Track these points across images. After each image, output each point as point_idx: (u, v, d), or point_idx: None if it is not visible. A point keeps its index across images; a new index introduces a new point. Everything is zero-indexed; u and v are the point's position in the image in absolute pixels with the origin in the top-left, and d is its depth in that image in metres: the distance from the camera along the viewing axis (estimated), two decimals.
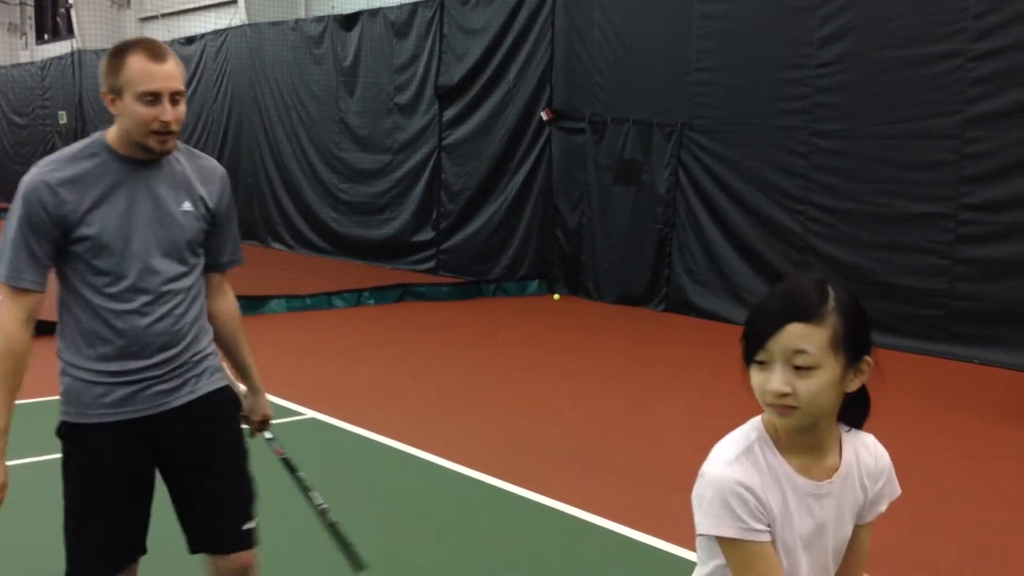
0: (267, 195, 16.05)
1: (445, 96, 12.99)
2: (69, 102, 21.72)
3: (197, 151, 2.84)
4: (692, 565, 1.86)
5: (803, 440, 1.71)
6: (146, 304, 2.58)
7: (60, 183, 2.51)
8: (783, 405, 1.63)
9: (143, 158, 2.63)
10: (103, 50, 20.51)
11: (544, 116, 11.81)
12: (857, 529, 1.80)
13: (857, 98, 8.83)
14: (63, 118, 22.03)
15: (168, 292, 2.62)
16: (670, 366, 8.15)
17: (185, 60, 19.25)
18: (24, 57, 25.54)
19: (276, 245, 15.79)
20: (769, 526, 1.67)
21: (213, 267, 2.84)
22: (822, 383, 1.62)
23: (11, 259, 2.49)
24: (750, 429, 1.74)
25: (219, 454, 2.77)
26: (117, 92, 2.61)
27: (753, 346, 1.65)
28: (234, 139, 16.89)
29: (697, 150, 10.31)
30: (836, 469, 1.73)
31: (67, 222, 2.50)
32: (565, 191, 11.70)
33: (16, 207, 2.52)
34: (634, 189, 10.91)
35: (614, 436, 5.98)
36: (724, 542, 1.68)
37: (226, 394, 2.86)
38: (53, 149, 23.35)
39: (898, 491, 1.83)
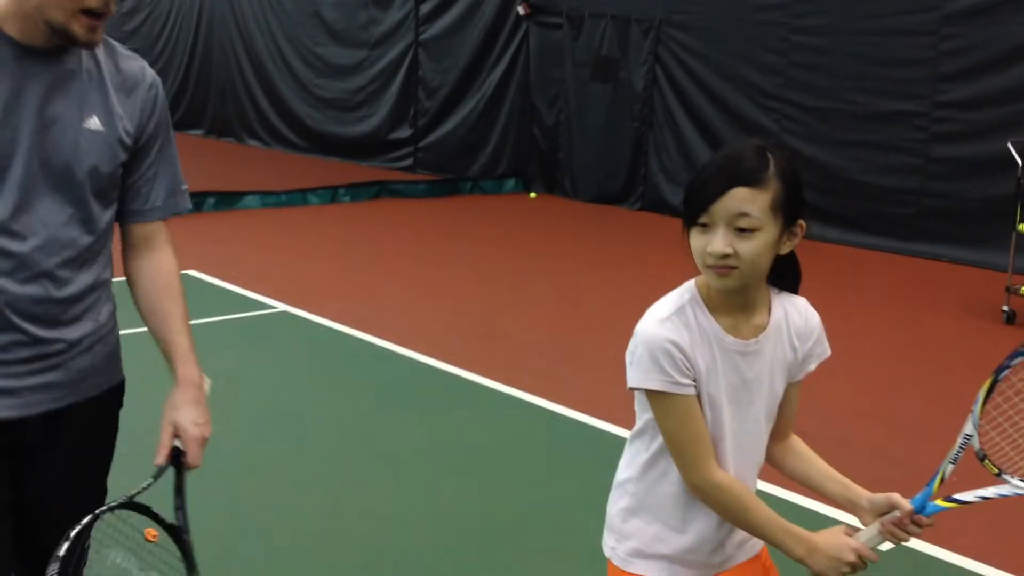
0: (241, 91, 15.79)
1: None
2: None
3: (120, 47, 2.00)
4: None
5: (734, 301, 1.77)
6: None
7: None
8: (724, 266, 1.68)
9: (46, 46, 1.83)
10: None
11: (521, 11, 11.59)
12: (788, 387, 1.88)
13: None
14: None
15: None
16: (642, 265, 8.22)
17: None
18: None
19: (252, 142, 15.61)
20: (695, 381, 1.75)
21: (137, 215, 2.04)
22: (761, 245, 1.68)
23: None
24: (683, 291, 1.80)
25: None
26: None
27: (697, 210, 1.69)
28: (206, 32, 16.49)
29: (675, 47, 10.18)
30: (764, 329, 1.80)
31: None
32: (542, 88, 11.57)
33: None
34: (611, 86, 10.80)
35: (581, 330, 6.08)
36: (652, 395, 1.75)
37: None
38: None
39: (828, 352, 1.90)
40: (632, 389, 1.79)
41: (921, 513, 1.74)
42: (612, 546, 1.91)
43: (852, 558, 1.73)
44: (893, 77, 8.44)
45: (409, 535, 3.53)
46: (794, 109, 9.21)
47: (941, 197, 8.18)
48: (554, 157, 11.44)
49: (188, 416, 1.99)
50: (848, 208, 8.75)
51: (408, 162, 13.07)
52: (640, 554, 1.86)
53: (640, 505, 1.87)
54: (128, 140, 1.94)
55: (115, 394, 2.11)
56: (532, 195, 11.49)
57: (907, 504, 1.75)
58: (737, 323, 1.78)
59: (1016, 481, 1.78)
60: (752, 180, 1.66)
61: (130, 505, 1.86)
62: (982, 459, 1.78)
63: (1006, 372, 1.77)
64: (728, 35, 9.65)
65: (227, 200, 10.22)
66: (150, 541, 1.92)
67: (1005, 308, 6.40)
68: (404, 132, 13.23)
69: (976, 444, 1.77)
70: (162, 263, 2.08)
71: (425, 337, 5.81)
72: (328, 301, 6.58)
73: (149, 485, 1.86)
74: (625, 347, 1.79)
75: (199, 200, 9.95)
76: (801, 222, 1.74)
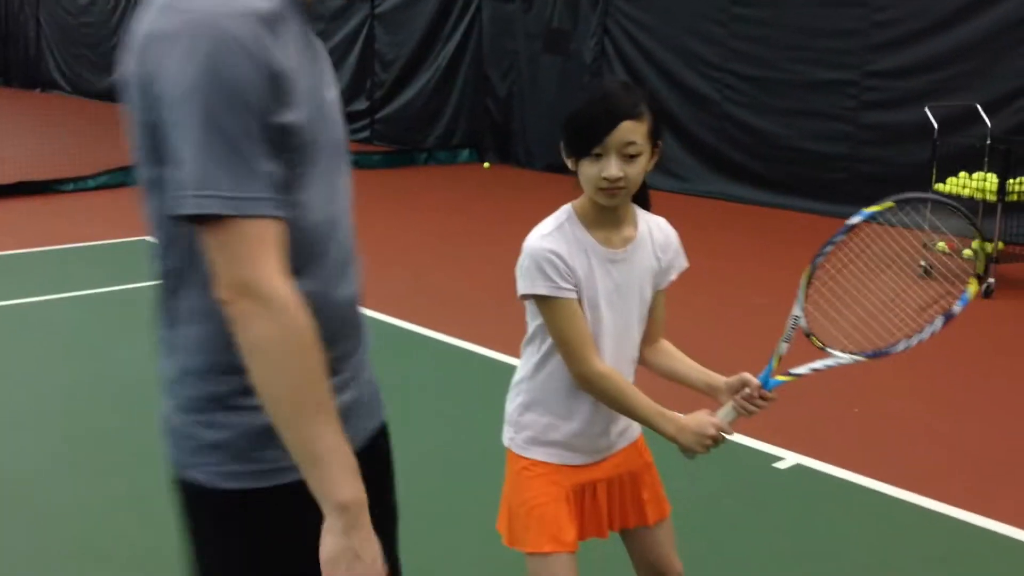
0: None
1: None
2: None
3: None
4: None
5: (607, 217, 2.08)
6: None
7: None
8: (615, 187, 1.99)
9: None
10: None
11: None
12: (655, 295, 2.19)
13: None
14: None
15: None
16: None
17: None
18: None
19: None
20: (575, 286, 2.04)
21: None
22: (642, 166, 2.00)
23: None
24: (561, 212, 2.10)
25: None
26: None
27: (591, 143, 1.98)
28: None
29: (623, 19, 10.47)
30: (632, 240, 2.12)
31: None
32: (495, 60, 11.81)
33: None
34: (562, 59, 11.07)
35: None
36: (540, 300, 2.05)
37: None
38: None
39: (686, 264, 2.22)
40: (522, 297, 2.09)
41: (765, 388, 2.07)
42: (511, 436, 2.20)
43: (712, 432, 2.05)
44: (828, 47, 8.78)
45: None
46: (735, 79, 9.54)
47: (870, 162, 8.56)
48: (507, 127, 11.70)
49: None
50: (786, 173, 9.12)
51: (365, 134, 13.28)
52: (535, 441, 2.16)
53: (533, 400, 2.16)
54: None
55: None
56: (486, 165, 11.75)
57: (755, 380, 2.07)
58: (609, 236, 2.09)
59: (837, 353, 2.12)
60: (635, 114, 1.97)
61: None
62: (809, 336, 2.11)
63: (820, 260, 2.10)
64: (673, 8, 9.94)
65: None
66: None
67: (922, 263, 6.79)
68: (361, 104, 13.41)
69: (803, 324, 2.10)
70: None
71: (373, 294, 6.07)
72: None
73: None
74: None
75: None
76: (660, 143, 2.05)
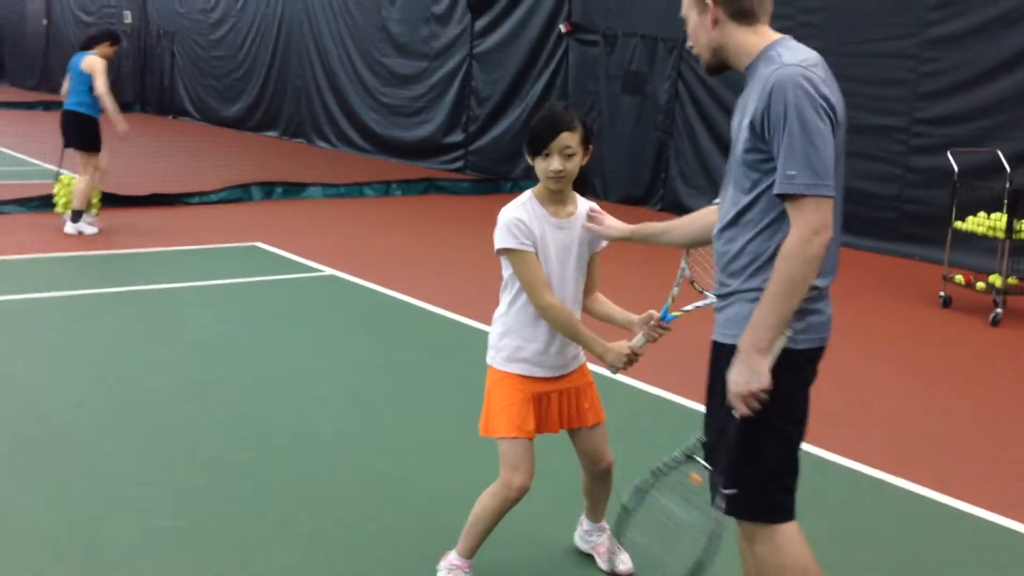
0: (314, 96, 17.30)
1: (477, 7, 14.01)
2: (134, 2, 23.02)
3: None
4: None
5: (555, 198, 3.00)
6: None
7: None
8: (559, 177, 2.92)
9: None
10: None
11: (563, 28, 12.82)
12: (591, 256, 3.09)
13: (832, 19, 9.74)
14: (128, 18, 23.34)
15: None
16: (658, 257, 9.30)
17: None
18: None
19: (321, 143, 17.10)
20: (533, 244, 2.95)
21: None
22: (577, 163, 2.95)
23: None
24: (525, 194, 3.03)
25: None
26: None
27: (541, 146, 2.92)
28: (285, 43, 18.07)
29: (695, 64, 11.22)
30: (573, 215, 3.03)
31: None
32: (579, 98, 12.75)
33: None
34: (639, 99, 11.95)
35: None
36: (509, 253, 2.95)
37: None
38: (119, 48, 24.63)
39: (603, 242, 3.11)
40: (497, 251, 2.99)
41: (664, 320, 2.95)
42: (492, 356, 3.09)
43: (627, 351, 2.95)
44: (879, 95, 9.43)
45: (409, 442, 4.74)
46: None
47: (916, 203, 9.13)
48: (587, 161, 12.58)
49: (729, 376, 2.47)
50: (846, 211, 9.73)
51: (459, 164, 14.38)
52: (510, 359, 3.05)
53: (507, 329, 3.06)
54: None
55: None
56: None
57: (657, 314, 2.96)
58: (557, 211, 3.01)
59: (709, 294, 2.91)
60: (571, 126, 2.92)
61: (686, 458, 2.63)
62: (691, 282, 2.96)
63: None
64: None
65: (293, 190, 11.63)
66: (696, 484, 2.57)
67: (942, 294, 7.39)
68: (457, 136, 14.54)
69: (688, 274, 2.96)
70: None
71: (446, 296, 7.03)
72: (369, 268, 7.86)
73: (699, 442, 2.60)
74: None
75: (269, 189, 11.39)
76: (591, 147, 2.99)
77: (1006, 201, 6.96)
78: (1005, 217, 6.89)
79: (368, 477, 4.04)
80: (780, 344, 2.41)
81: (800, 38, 2.57)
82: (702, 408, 2.66)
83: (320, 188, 11.84)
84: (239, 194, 11.11)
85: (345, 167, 14.16)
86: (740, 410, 2.43)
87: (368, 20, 16.09)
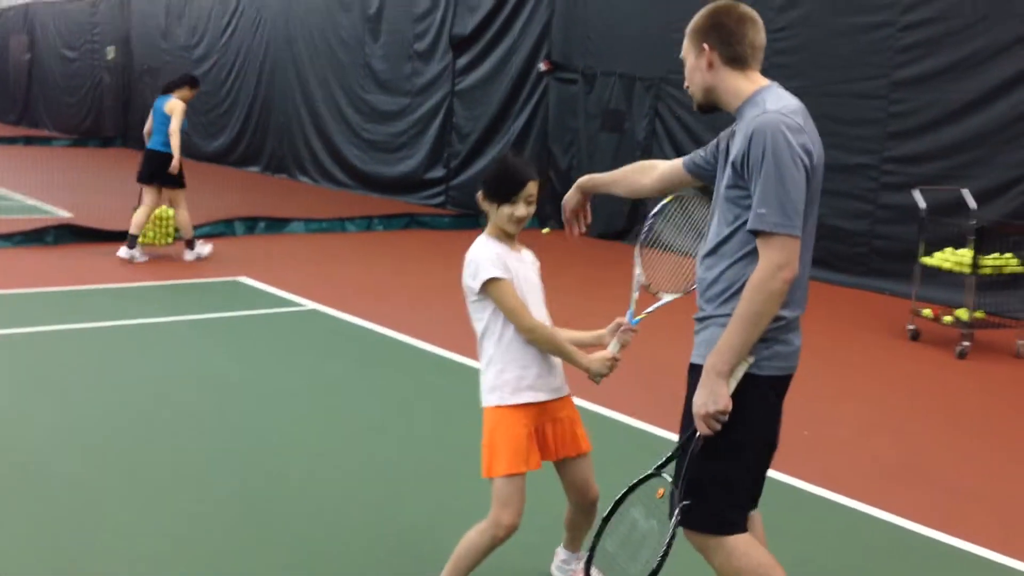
0: (296, 132, 17.46)
1: (459, 45, 14.26)
2: (117, 38, 23.20)
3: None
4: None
5: (509, 238, 3.23)
6: None
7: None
8: (521, 221, 3.16)
9: None
10: None
11: (543, 67, 13.07)
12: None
13: (808, 59, 10.02)
14: (111, 54, 23.50)
15: None
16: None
17: (224, 3, 20.52)
18: None
19: (303, 179, 17.23)
20: (508, 273, 3.12)
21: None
22: (534, 209, 3.20)
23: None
24: (483, 237, 3.22)
25: None
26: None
27: (509, 194, 3.13)
28: (268, 79, 18.26)
29: (672, 102, 11.55)
30: (521, 251, 3.27)
31: None
32: (558, 136, 12.99)
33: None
34: (617, 136, 12.19)
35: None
36: (492, 283, 3.10)
37: None
38: (102, 84, 24.60)
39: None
40: (482, 287, 3.12)
41: (631, 323, 3.18)
42: (496, 396, 3.17)
43: (609, 357, 3.16)
44: (852, 134, 9.68)
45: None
46: None
47: (886, 239, 9.36)
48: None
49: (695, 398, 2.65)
50: (818, 248, 9.93)
51: (440, 199, 14.55)
52: (516, 389, 3.16)
53: (504, 364, 3.18)
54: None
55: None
56: (545, 231, 12.83)
57: (624, 320, 3.18)
58: (511, 249, 3.22)
59: (664, 295, 3.21)
60: (534, 176, 3.16)
61: (657, 472, 2.82)
62: (647, 287, 3.19)
63: (644, 236, 3.21)
64: None
65: (276, 225, 11.74)
66: (659, 498, 2.76)
67: (910, 327, 7.58)
68: (438, 172, 14.72)
69: (643, 280, 3.19)
70: None
71: (428, 329, 7.15)
72: (351, 302, 7.97)
73: (670, 458, 2.76)
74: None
75: (252, 223, 11.50)
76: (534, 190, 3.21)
77: (972, 237, 7.17)
78: (971, 253, 7.10)
79: (353, 507, 4.13)
80: (742, 370, 2.57)
81: (776, 79, 2.77)
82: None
83: (303, 223, 11.96)
84: (222, 228, 11.22)
85: (327, 202, 14.29)
86: (700, 430, 2.60)
87: (351, 57, 16.30)
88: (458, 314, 7.97)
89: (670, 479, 2.78)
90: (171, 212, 9.54)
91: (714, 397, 2.55)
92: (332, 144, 16.66)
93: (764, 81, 2.72)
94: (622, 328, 3.19)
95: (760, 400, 2.64)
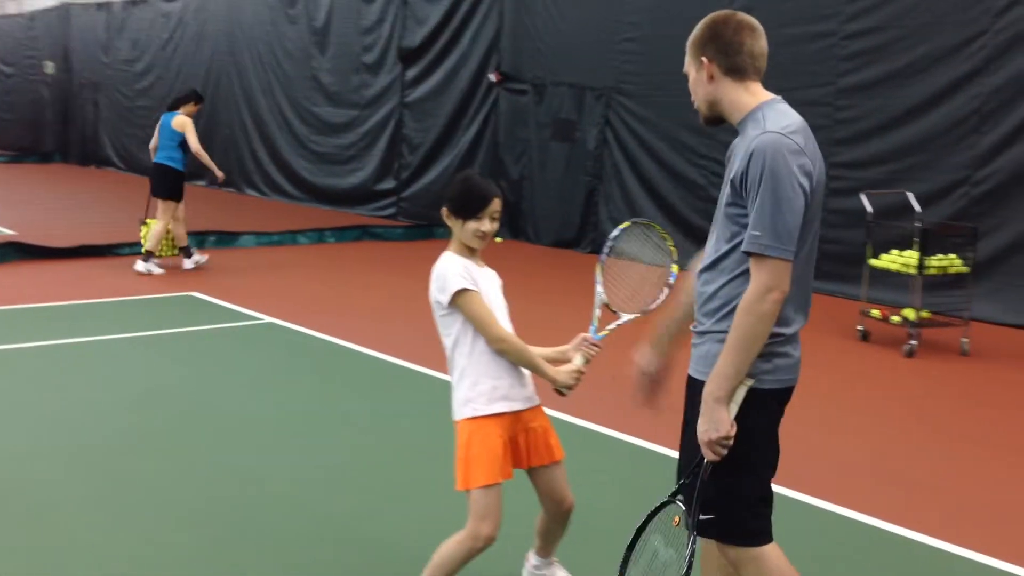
0: (243, 145, 17.28)
1: (407, 57, 14.25)
2: (56, 53, 22.77)
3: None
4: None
5: (473, 253, 3.25)
6: None
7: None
8: (486, 236, 3.19)
9: None
10: (90, 4, 21.53)
11: (493, 78, 13.12)
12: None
13: None
14: (49, 68, 23.05)
15: None
16: (590, 297, 9.53)
17: (167, 16, 20.29)
18: (11, 8, 26.40)
19: (250, 192, 17.06)
20: (476, 285, 3.16)
21: None
22: (498, 225, 3.23)
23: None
24: (450, 253, 3.24)
25: None
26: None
27: (476, 211, 3.17)
28: (212, 92, 18.03)
29: (623, 112, 11.67)
30: (484, 266, 3.29)
31: None
32: (509, 146, 13.04)
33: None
34: (568, 145, 12.28)
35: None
36: (461, 295, 3.13)
37: None
38: (40, 99, 24.15)
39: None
40: (452, 298, 3.13)
41: (595, 338, 3.25)
42: (469, 408, 3.18)
43: (575, 369, 3.21)
44: None
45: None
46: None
47: (834, 243, 9.55)
48: (518, 207, 12.86)
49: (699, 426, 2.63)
50: None
51: (391, 211, 14.50)
52: (491, 399, 3.17)
53: (477, 376, 3.18)
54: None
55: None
56: (498, 240, 12.87)
57: (588, 335, 3.25)
58: (475, 263, 3.25)
59: (623, 315, 3.29)
60: (498, 195, 3.22)
61: (673, 500, 2.76)
62: (607, 305, 3.26)
63: (605, 256, 3.30)
64: (666, 102, 11.13)
65: (226, 239, 11.61)
66: (675, 526, 2.72)
67: (860, 328, 7.74)
68: (389, 184, 14.68)
69: (604, 298, 3.26)
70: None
71: (385, 340, 7.12)
72: (307, 315, 7.91)
73: (683, 485, 2.70)
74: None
75: (201, 238, 11.35)
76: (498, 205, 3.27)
77: (917, 239, 7.35)
78: (917, 254, 7.28)
79: (319, 520, 4.10)
80: (742, 392, 2.57)
81: None
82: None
83: (253, 236, 11.84)
84: None
85: (277, 215, 14.16)
86: (707, 456, 2.60)
87: (298, 70, 16.20)
88: (415, 325, 8.06)
89: (683, 507, 2.74)
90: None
91: (715, 424, 2.55)
92: (280, 157, 16.52)
93: (766, 95, 2.69)
94: (587, 343, 3.25)
95: (762, 412, 2.64)
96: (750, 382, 2.58)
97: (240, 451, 4.89)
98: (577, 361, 3.24)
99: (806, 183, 2.53)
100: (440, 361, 6.67)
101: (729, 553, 2.71)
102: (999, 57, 8.68)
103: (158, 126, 9.90)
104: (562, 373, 3.21)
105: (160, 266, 9.63)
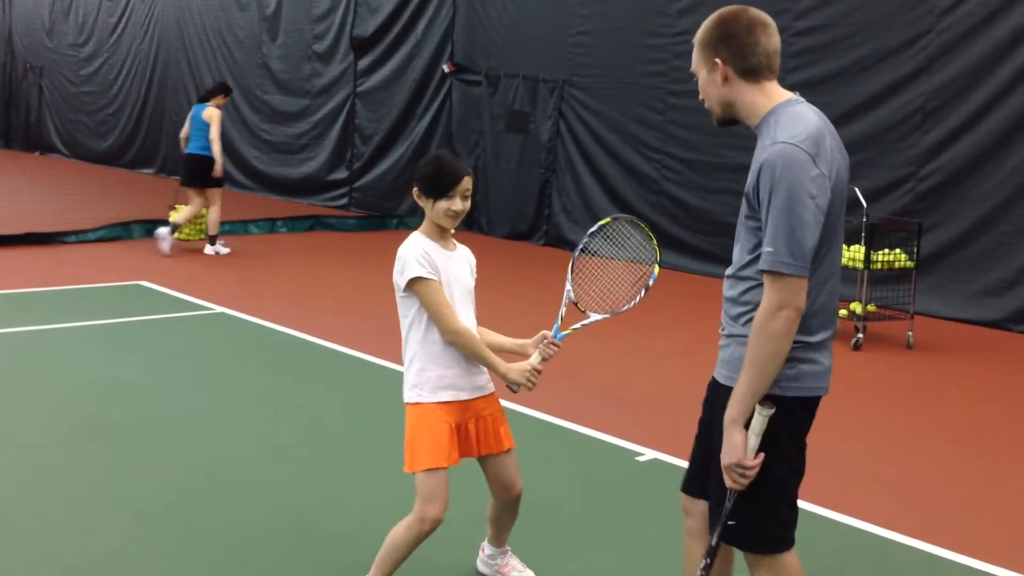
0: None
1: (359, 46, 14.15)
2: None
3: None
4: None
5: (442, 235, 3.25)
6: None
7: None
8: (457, 216, 3.18)
9: None
10: None
11: (446, 69, 13.09)
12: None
13: None
14: None
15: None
16: (542, 288, 9.59)
17: (113, 2, 19.85)
18: None
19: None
20: (436, 274, 3.14)
21: None
22: (470, 202, 3.22)
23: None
24: (416, 234, 3.24)
25: None
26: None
27: (447, 189, 3.16)
28: (160, 79, 17.75)
29: (576, 104, 11.72)
30: (454, 249, 3.28)
31: None
32: (463, 137, 13.03)
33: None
34: (522, 137, 12.30)
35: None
36: (417, 282, 3.12)
37: None
38: None
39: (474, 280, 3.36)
40: (407, 284, 3.14)
41: (556, 338, 3.23)
42: (416, 393, 3.20)
43: (529, 368, 3.19)
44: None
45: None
46: (671, 160, 10.75)
47: None
48: (472, 198, 12.82)
49: None
50: (716, 245, 10.25)
51: (344, 201, 14.41)
52: (436, 388, 3.19)
53: (425, 362, 3.20)
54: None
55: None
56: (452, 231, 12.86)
57: (549, 333, 3.23)
58: (443, 246, 3.24)
59: (592, 314, 3.29)
60: (469, 173, 3.20)
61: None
62: (575, 304, 3.26)
63: (577, 255, 3.30)
64: (619, 96, 11.21)
65: (175, 227, 11.42)
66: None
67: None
68: (341, 174, 14.57)
69: (572, 297, 3.26)
70: None
71: (338, 331, 7.09)
72: (259, 305, 7.84)
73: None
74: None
75: (150, 226, 11.17)
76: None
77: (863, 234, 7.50)
78: (863, 249, 7.43)
79: (277, 511, 4.08)
80: (761, 423, 2.51)
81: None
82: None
83: None
84: (119, 232, 10.88)
85: (228, 204, 13.91)
86: (727, 484, 2.55)
87: (248, 57, 16.00)
88: (368, 315, 8.06)
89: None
90: (205, 211, 10.31)
91: (727, 448, 2.52)
92: (230, 145, 16.25)
93: (781, 95, 2.60)
94: (546, 341, 3.22)
95: (788, 420, 2.56)
96: (771, 410, 2.50)
97: (193, 444, 4.84)
98: (534, 359, 3.23)
99: (818, 192, 2.43)
100: (395, 352, 6.69)
101: (747, 559, 2.71)
102: (942, 56, 8.88)
103: (189, 117, 10.44)
104: (514, 371, 3.20)
105: (225, 246, 10.37)
